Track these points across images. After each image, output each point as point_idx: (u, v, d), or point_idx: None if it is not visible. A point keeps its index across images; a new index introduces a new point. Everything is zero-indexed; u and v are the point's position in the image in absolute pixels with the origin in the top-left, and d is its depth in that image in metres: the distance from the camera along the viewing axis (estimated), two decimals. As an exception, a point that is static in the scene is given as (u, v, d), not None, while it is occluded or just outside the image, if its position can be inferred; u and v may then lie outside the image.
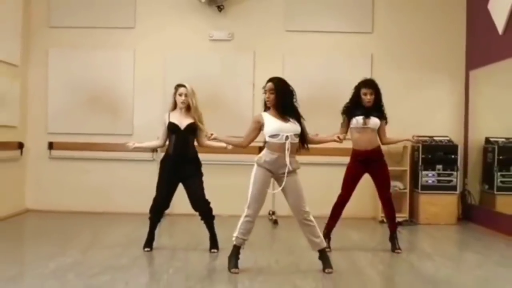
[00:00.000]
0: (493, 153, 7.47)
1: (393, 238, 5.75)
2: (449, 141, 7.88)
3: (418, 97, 8.09)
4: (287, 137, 4.64)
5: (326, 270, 4.71)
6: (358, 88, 5.68)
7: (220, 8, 8.09)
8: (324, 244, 4.84)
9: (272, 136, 4.67)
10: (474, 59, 7.97)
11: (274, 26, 8.19)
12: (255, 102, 7.97)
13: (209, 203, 5.55)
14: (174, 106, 5.59)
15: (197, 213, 5.62)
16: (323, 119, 7.96)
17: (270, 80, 4.82)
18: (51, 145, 8.17)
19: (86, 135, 8.13)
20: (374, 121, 5.62)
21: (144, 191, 7.85)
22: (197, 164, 5.56)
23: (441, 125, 8.10)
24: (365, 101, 5.60)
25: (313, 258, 4.89)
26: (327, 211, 5.78)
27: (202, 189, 5.51)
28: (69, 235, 6.41)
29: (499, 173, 7.38)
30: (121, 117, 8.18)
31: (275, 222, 7.43)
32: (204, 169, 7.88)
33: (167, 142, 5.63)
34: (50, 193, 8.11)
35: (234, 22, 8.17)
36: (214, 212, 7.60)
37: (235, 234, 4.73)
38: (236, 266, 4.72)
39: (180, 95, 5.52)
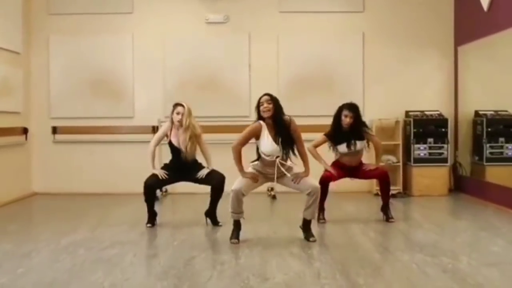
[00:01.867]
0: (482, 125, 7.66)
1: (386, 209, 6.06)
2: (440, 115, 8.12)
3: (409, 73, 8.32)
4: (277, 157, 5.00)
5: (311, 239, 5.10)
6: (339, 110, 5.97)
7: (215, -9, 8.27)
8: (315, 216, 5.29)
9: (264, 154, 5.03)
10: (462, 35, 8.18)
11: (269, 7, 8.36)
12: (251, 82, 8.25)
13: (223, 176, 5.81)
14: (172, 123, 5.84)
15: (200, 192, 6.01)
16: (317, 97, 8.26)
17: (266, 94, 5.07)
18: (54, 130, 8.39)
19: (88, 119, 8.35)
20: (359, 145, 5.94)
21: (147, 171, 8.19)
22: (199, 165, 5.89)
23: (432, 99, 8.33)
24: (344, 123, 5.89)
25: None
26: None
27: (216, 171, 5.84)
28: (77, 215, 6.68)
29: (488, 145, 7.56)
30: (122, 100, 8.39)
31: (273, 197, 7.72)
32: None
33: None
34: (56, 176, 8.36)
35: (229, 5, 8.34)
36: None
37: (230, 211, 5.10)
38: (235, 237, 5.09)
39: (178, 113, 5.77)
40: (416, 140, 7.98)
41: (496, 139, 7.55)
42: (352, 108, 5.90)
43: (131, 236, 5.41)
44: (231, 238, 5.09)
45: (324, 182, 5.82)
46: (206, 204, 5.88)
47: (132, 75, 8.39)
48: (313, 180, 5.14)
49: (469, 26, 7.95)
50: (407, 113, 8.22)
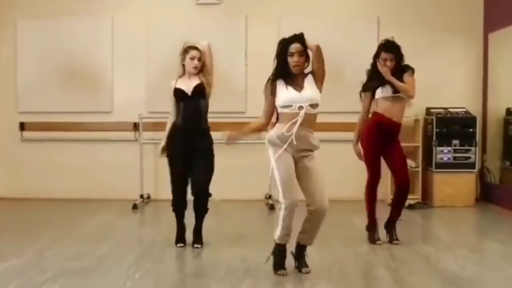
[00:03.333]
0: (515, 125, 6.72)
1: (392, 227, 4.98)
2: (466, 112, 7.09)
3: (431, 64, 7.21)
4: (301, 107, 3.87)
5: (304, 270, 4.00)
6: (377, 54, 4.92)
7: (206, -32, 7.26)
8: (312, 243, 4.07)
9: (284, 106, 3.91)
10: (494, 20, 7.15)
11: None
12: (248, 72, 7.30)
13: (209, 195, 4.77)
14: (183, 72, 4.85)
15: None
16: (325, 87, 7.23)
17: (295, 38, 4.05)
18: (22, 126, 7.46)
19: (61, 114, 7.41)
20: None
21: (126, 174, 7.24)
22: (210, 139, 4.79)
23: (457, 95, 7.32)
24: (384, 70, 4.82)
25: (309, 255, 4.11)
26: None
27: (209, 177, 4.74)
28: (35, 228, 5.67)
29: (522, 148, 6.62)
30: (99, 93, 7.47)
31: (271, 207, 6.67)
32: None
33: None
34: (24, 179, 7.45)
35: (223, -17, 7.38)
36: None
37: (277, 233, 3.92)
38: (283, 267, 3.96)
39: (192, 59, 4.78)
40: (438, 142, 6.93)
41: (532, 141, 6.57)
42: (391, 48, 4.87)
43: (85, 262, 4.30)
44: (276, 270, 3.95)
45: (370, 190, 4.90)
46: (193, 213, 4.84)
47: (111, 64, 7.47)
48: (324, 193, 3.88)
49: (502, 8, 6.91)
50: (428, 110, 7.19)
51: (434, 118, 6.97)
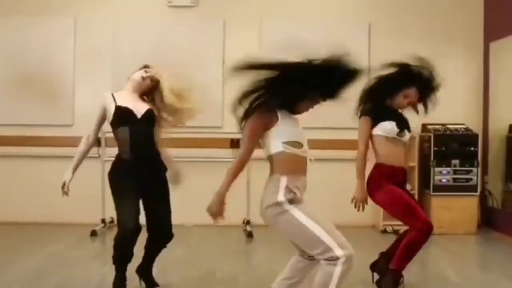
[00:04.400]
0: (520, 144, 6.20)
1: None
2: (467, 129, 6.49)
3: (426, 76, 6.68)
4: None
5: None
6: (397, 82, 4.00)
7: (180, -34, 6.60)
8: None
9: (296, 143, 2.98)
10: (495, 28, 6.64)
11: None
12: (225, 82, 6.62)
13: (173, 234, 3.97)
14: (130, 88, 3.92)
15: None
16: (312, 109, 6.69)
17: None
18: (-29, 140, 6.70)
19: (15, 127, 6.70)
20: (407, 134, 4.06)
21: (87, 195, 6.48)
22: (162, 168, 3.89)
23: (455, 110, 6.71)
24: (399, 105, 3.99)
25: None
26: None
27: (170, 214, 3.93)
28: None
29: (528, 169, 6.08)
30: (59, 102, 6.77)
31: (249, 234, 5.96)
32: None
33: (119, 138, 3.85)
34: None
35: (199, -17, 6.77)
36: (176, 222, 6.25)
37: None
38: None
39: (147, 71, 3.99)
40: (437, 162, 6.29)
41: (539, 161, 6.04)
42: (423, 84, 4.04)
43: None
44: None
45: (421, 242, 3.78)
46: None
47: (73, 70, 6.78)
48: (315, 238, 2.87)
49: (505, 16, 6.38)
50: (424, 127, 6.58)
51: (431, 135, 6.35)
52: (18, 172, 6.70)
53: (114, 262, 3.74)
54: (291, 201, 2.86)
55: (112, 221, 6.38)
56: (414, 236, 3.75)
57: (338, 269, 2.82)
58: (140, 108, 3.79)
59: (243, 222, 6.25)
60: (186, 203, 6.42)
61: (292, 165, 2.92)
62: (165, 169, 3.90)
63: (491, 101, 6.69)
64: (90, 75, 6.72)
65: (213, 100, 6.57)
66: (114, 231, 6.05)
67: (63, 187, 3.77)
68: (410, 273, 4.33)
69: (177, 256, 4.93)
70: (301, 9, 6.75)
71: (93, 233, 5.92)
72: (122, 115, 3.73)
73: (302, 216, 2.85)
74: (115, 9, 6.72)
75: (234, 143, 6.32)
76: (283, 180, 2.88)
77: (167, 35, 6.69)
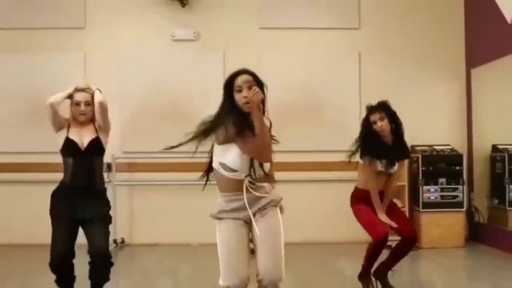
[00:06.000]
0: (502, 162, 6.60)
1: (385, 275, 4.59)
2: (452, 150, 6.91)
3: (414, 100, 7.09)
4: (246, 175, 3.09)
5: None
6: (366, 117, 4.50)
7: (183, 3, 7.06)
8: None
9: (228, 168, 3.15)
10: (476, 55, 7.04)
11: (247, 22, 7.20)
12: None
13: (111, 263, 4.02)
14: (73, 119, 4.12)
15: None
16: (304, 128, 7.04)
17: (241, 72, 3.30)
18: (-17, 167, 7.03)
19: (26, 154, 7.01)
20: (395, 169, 4.50)
21: None
22: (105, 202, 4.09)
23: (441, 131, 7.15)
24: (379, 130, 4.41)
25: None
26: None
27: (107, 240, 4.02)
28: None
29: (511, 186, 6.49)
30: None
31: (252, 251, 6.31)
32: (166, 190, 6.98)
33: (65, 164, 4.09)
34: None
35: (200, 19, 7.17)
36: (181, 241, 6.61)
37: None
38: None
39: (78, 104, 4.03)
40: (425, 181, 6.70)
41: (521, 179, 6.43)
42: (380, 106, 4.43)
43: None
44: None
45: (376, 249, 4.38)
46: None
47: None
48: (281, 259, 3.00)
49: (484, 44, 6.80)
50: (412, 148, 6.90)
51: (419, 156, 6.76)
52: (31, 197, 6.89)
53: (57, 285, 4.00)
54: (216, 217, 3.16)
55: (122, 241, 6.74)
56: (372, 243, 4.42)
57: None
58: (84, 138, 4.02)
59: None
60: (191, 224, 6.85)
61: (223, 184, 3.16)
62: (107, 205, 4.09)
63: (474, 123, 7.07)
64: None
65: None
66: (125, 251, 6.52)
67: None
68: (401, 283, 4.73)
69: (188, 270, 5.30)
70: (294, 42, 7.15)
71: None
72: (68, 147, 4.02)
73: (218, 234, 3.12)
74: (121, 44, 7.08)
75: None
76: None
77: (171, 67, 7.10)
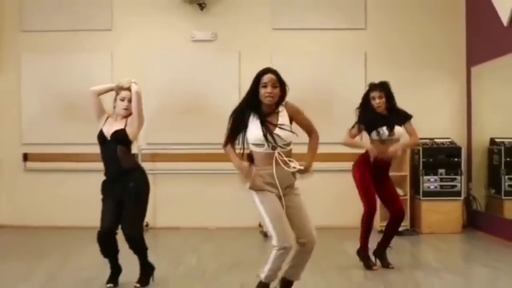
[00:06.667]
0: (499, 154, 6.98)
1: (383, 253, 5.20)
2: (451, 143, 7.37)
3: (417, 96, 7.50)
4: (274, 147, 3.73)
5: None
6: (367, 94, 5.19)
7: (201, 6, 7.58)
8: (299, 278, 3.92)
9: (253, 144, 3.78)
10: (475, 54, 7.46)
11: (261, 24, 7.69)
12: None
13: (141, 236, 4.53)
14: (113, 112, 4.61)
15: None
16: (315, 119, 7.46)
17: (268, 71, 3.95)
18: (25, 157, 7.66)
19: (63, 145, 7.63)
20: (398, 131, 5.09)
21: None
22: (132, 178, 4.44)
23: (442, 126, 7.61)
24: (376, 107, 5.08)
25: (307, 279, 4.32)
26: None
27: (134, 220, 4.44)
28: (40, 255, 5.87)
29: (506, 177, 6.87)
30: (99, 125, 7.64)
31: (265, 235, 6.88)
32: (188, 179, 7.53)
33: None
34: (26, 207, 7.63)
35: (217, 21, 7.68)
36: (200, 225, 7.06)
37: (265, 269, 3.75)
38: None
39: (123, 100, 4.54)
40: (425, 171, 7.19)
41: (516, 170, 6.83)
42: (381, 86, 5.08)
43: (94, 285, 4.55)
44: None
45: (370, 218, 5.06)
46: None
47: (111, 97, 7.52)
48: (312, 224, 3.79)
49: (483, 44, 7.23)
50: (415, 141, 7.41)
51: (420, 148, 7.21)
52: (65, 183, 7.60)
53: (103, 256, 4.53)
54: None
55: (147, 225, 7.32)
56: (364, 212, 5.06)
57: (273, 253, 3.68)
58: (112, 129, 4.46)
59: (259, 225, 7.14)
60: (209, 209, 7.42)
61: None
62: (140, 179, 4.49)
63: (473, 118, 7.50)
64: None
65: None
66: (150, 233, 7.10)
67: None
68: (402, 264, 5.25)
69: (209, 250, 5.92)
70: (304, 41, 7.63)
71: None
72: (99, 137, 4.51)
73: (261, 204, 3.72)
74: (145, 44, 7.61)
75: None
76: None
77: (191, 66, 7.63)
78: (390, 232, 5.18)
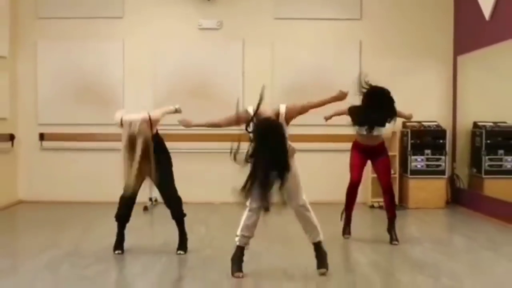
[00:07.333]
0: (481, 137, 7.54)
1: (391, 229, 5.68)
2: (438, 126, 7.96)
3: (407, 83, 8.08)
4: None
5: (319, 271, 4.42)
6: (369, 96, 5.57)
7: (208, -4, 8.09)
8: (319, 238, 4.49)
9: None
10: (462, 45, 8.02)
11: (263, 13, 8.19)
12: (245, 90, 8.00)
13: (180, 197, 5.20)
14: None
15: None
16: (310, 111, 8.01)
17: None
18: (42, 136, 8.18)
19: (77, 126, 8.13)
20: (378, 130, 5.57)
21: None
22: (160, 150, 5.11)
23: (430, 110, 8.16)
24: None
25: (303, 245, 4.93)
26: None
27: (171, 183, 5.12)
28: (61, 226, 6.44)
29: (487, 157, 7.44)
30: (111, 107, 8.05)
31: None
32: (194, 157, 8.11)
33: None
34: (42, 184, 8.14)
35: (222, 10, 8.17)
36: (206, 200, 7.65)
37: (238, 232, 4.43)
38: (239, 270, 4.39)
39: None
40: (413, 152, 7.81)
41: (495, 151, 7.43)
42: (380, 100, 5.48)
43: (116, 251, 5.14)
44: (233, 271, 4.38)
45: (350, 190, 5.66)
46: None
47: (122, 82, 8.19)
48: (299, 192, 4.38)
49: (469, 35, 7.80)
50: (404, 124, 8.04)
51: (409, 131, 7.83)
52: (80, 161, 8.13)
53: (116, 220, 5.14)
54: None
55: (156, 200, 7.88)
56: (348, 186, 5.73)
57: (245, 213, 4.42)
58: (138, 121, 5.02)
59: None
60: (213, 185, 7.98)
61: None
62: (164, 152, 5.18)
63: (458, 104, 8.08)
64: (135, 86, 8.11)
65: (233, 104, 8.02)
66: (159, 207, 7.66)
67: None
68: (387, 233, 5.79)
69: (214, 223, 6.53)
70: (304, 32, 8.15)
71: (145, 209, 7.42)
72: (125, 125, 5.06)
73: None
74: (155, 32, 8.07)
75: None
76: None
77: (197, 52, 8.12)
78: (386, 206, 5.71)
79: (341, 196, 5.92)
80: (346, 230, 5.85)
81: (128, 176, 4.88)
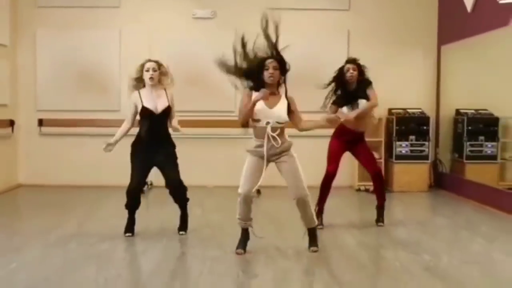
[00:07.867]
0: (462, 124, 7.85)
1: (380, 211, 5.93)
2: (422, 113, 8.30)
3: (393, 72, 8.40)
4: (268, 123, 4.60)
5: (311, 249, 4.75)
6: (341, 68, 5.88)
7: (203, -14, 8.32)
8: (314, 223, 4.83)
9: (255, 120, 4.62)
10: (445, 35, 8.35)
11: (256, 3, 8.28)
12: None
13: (185, 187, 5.40)
14: (144, 86, 5.33)
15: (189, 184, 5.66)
16: (301, 97, 8.22)
17: (272, 56, 4.88)
18: (41, 122, 8.42)
19: (75, 112, 8.37)
20: (362, 104, 5.66)
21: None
22: (170, 145, 5.35)
23: (415, 98, 8.48)
24: (348, 77, 5.73)
25: (294, 225, 5.28)
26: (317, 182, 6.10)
27: (178, 171, 5.31)
28: (64, 209, 6.74)
29: (468, 143, 7.75)
30: (108, 94, 8.42)
31: (258, 192, 7.82)
32: (189, 142, 8.37)
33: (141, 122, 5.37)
34: (41, 168, 8.41)
35: (216, 1, 8.42)
36: (199, 183, 7.94)
37: (237, 217, 4.75)
38: (242, 248, 4.72)
39: (147, 70, 5.29)
40: (398, 138, 8.16)
41: (476, 138, 7.74)
42: (354, 61, 5.79)
43: (120, 230, 5.43)
44: (237, 248, 4.72)
45: (325, 183, 5.71)
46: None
47: (119, 70, 8.39)
48: (301, 183, 4.59)
49: (452, 26, 8.12)
50: (389, 111, 8.39)
51: (394, 117, 8.17)
52: (78, 147, 8.37)
53: (126, 208, 5.31)
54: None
55: (151, 184, 8.20)
56: (324, 176, 5.76)
57: (238, 199, 4.64)
58: (159, 105, 5.21)
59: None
60: (207, 169, 8.29)
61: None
62: (173, 145, 5.34)
63: (441, 92, 8.42)
64: (132, 72, 8.23)
65: (227, 92, 8.25)
66: (155, 191, 7.96)
67: (106, 146, 5.29)
68: (374, 216, 6.05)
69: (209, 205, 6.84)
70: (293, 22, 8.17)
71: (141, 191, 7.72)
72: (145, 113, 5.22)
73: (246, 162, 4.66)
74: (151, 21, 8.30)
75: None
76: None
77: (192, 42, 8.34)
78: (376, 190, 5.94)
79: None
80: (318, 220, 5.77)
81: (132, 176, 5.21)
